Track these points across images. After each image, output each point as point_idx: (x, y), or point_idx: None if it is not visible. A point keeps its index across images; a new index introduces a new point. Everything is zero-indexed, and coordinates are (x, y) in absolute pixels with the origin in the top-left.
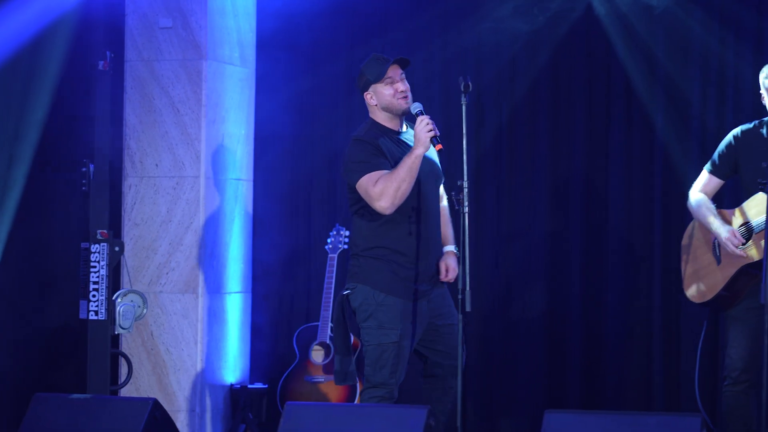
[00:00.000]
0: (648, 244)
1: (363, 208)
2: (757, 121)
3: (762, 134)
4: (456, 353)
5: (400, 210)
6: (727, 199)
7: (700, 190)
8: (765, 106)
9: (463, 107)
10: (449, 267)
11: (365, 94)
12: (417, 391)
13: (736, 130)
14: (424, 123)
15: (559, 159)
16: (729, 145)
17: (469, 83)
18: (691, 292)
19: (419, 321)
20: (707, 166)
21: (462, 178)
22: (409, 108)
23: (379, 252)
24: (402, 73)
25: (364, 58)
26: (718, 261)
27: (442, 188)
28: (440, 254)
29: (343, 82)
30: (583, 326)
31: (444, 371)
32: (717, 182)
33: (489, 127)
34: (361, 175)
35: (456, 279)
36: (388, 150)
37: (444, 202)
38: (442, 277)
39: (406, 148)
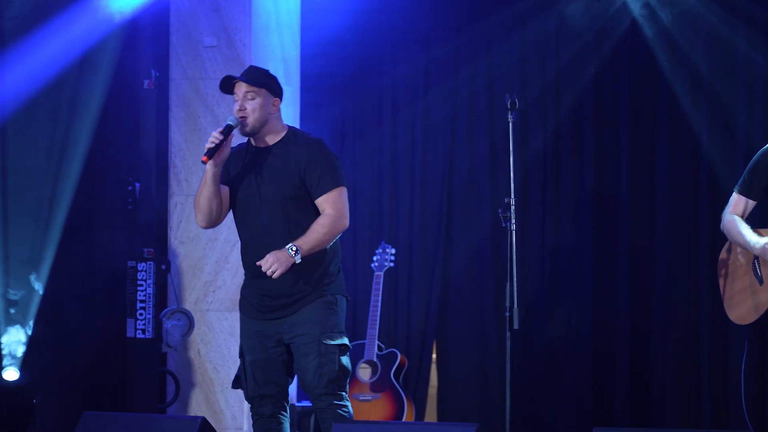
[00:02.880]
0: (694, 260)
1: None
2: None
3: None
4: (303, 379)
5: (241, 228)
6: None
7: (730, 212)
8: None
9: (510, 124)
10: (266, 257)
11: None
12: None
13: (765, 148)
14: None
15: (604, 175)
16: (758, 164)
17: (516, 100)
18: (735, 314)
19: (258, 333)
20: (736, 188)
21: (509, 195)
22: (246, 129)
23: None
24: (248, 91)
25: (408, 74)
26: (760, 281)
27: (326, 198)
28: (285, 273)
29: (388, 98)
30: (630, 342)
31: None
32: (748, 203)
33: (534, 143)
34: None
35: (504, 296)
36: (235, 163)
37: (325, 211)
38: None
39: (261, 163)
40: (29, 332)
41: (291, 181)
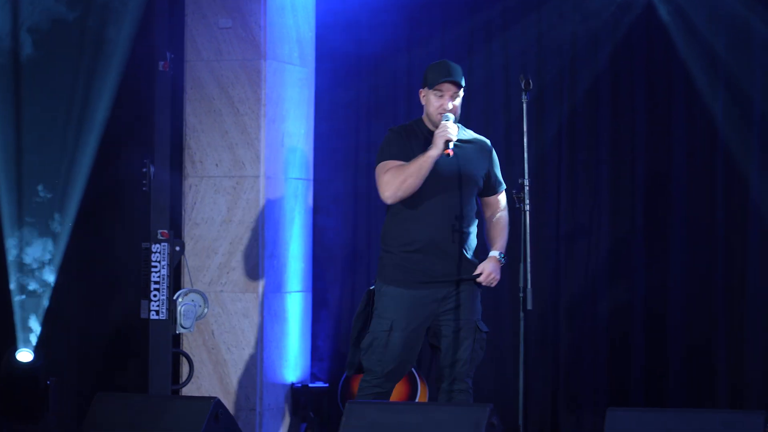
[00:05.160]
0: (711, 242)
1: None
2: None
3: None
4: (452, 360)
5: (419, 204)
6: None
7: None
8: None
9: (524, 105)
10: (485, 270)
11: (420, 90)
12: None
13: None
14: (442, 127)
15: (620, 157)
16: None
17: (530, 81)
18: None
19: (418, 312)
20: None
21: (523, 176)
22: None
23: (393, 245)
24: (456, 92)
25: (423, 55)
26: None
27: (503, 196)
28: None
29: (403, 80)
30: (645, 324)
31: (441, 372)
32: None
33: (549, 125)
34: (378, 162)
35: (518, 277)
36: (413, 148)
37: (502, 210)
38: (480, 279)
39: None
40: (43, 314)
41: (482, 169)
